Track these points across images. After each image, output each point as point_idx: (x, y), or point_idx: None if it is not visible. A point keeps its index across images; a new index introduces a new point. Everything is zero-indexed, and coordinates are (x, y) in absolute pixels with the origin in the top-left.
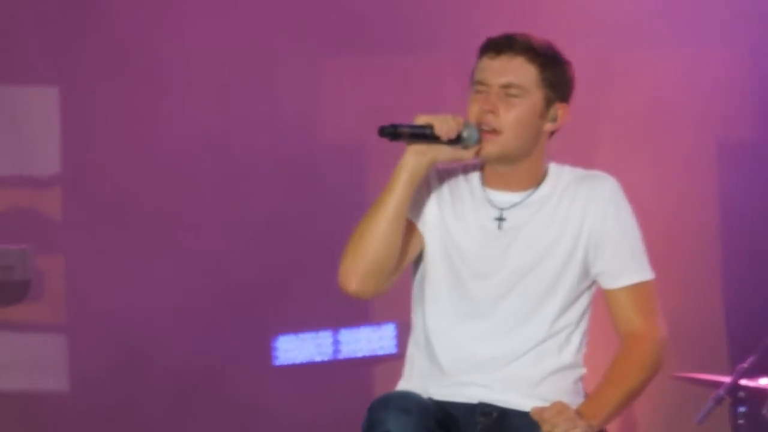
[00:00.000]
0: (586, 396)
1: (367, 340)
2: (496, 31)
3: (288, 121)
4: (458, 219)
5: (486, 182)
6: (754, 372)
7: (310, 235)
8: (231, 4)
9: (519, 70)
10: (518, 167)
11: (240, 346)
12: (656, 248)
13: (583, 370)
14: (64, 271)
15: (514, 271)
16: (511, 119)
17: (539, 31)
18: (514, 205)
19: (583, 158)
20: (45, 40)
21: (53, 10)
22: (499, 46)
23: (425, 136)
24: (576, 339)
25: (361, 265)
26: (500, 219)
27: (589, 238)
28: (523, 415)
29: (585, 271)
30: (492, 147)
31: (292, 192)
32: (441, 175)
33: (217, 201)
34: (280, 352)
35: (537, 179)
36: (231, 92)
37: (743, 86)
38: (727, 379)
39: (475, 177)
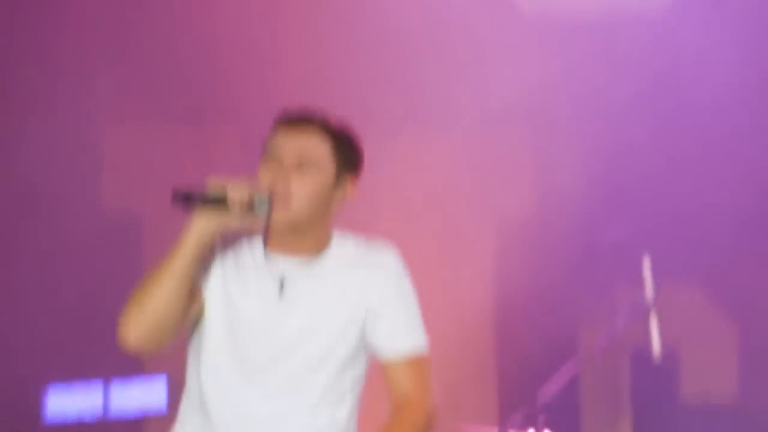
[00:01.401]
0: None
1: (138, 394)
2: (281, 104)
3: (69, 187)
4: (240, 284)
5: (269, 247)
6: (525, 424)
7: (87, 291)
8: None
9: (314, 144)
10: (303, 235)
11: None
12: (432, 304)
13: None
14: None
15: (292, 337)
16: (303, 192)
17: (329, 108)
18: (295, 273)
19: (364, 223)
20: None
21: None
22: (296, 119)
23: (217, 201)
24: (349, 404)
25: (143, 322)
26: (281, 286)
27: (368, 308)
28: None
29: (361, 341)
30: (282, 216)
31: (75, 253)
32: (225, 239)
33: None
34: (51, 407)
35: (320, 247)
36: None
37: (525, 162)
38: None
39: (258, 241)
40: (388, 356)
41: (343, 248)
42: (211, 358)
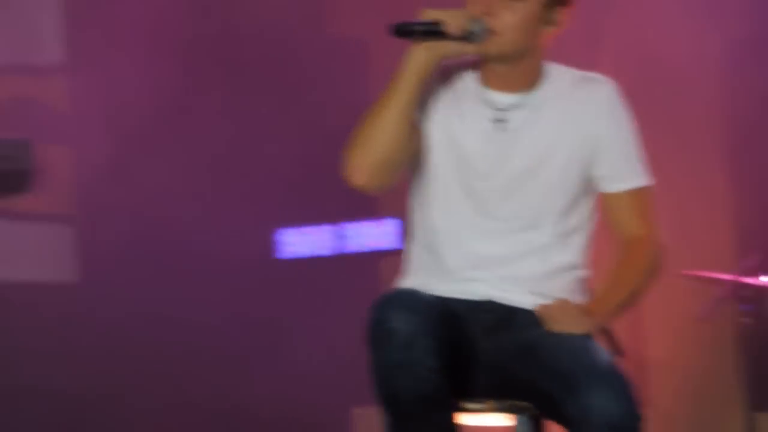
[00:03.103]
0: (590, 296)
1: (371, 235)
2: None
3: (289, 19)
4: (459, 118)
5: (484, 82)
6: (759, 270)
7: (314, 131)
8: None
9: None
10: (516, 67)
11: (243, 239)
12: (664, 149)
13: (586, 271)
14: (70, 161)
15: (517, 173)
16: (510, 22)
17: None
18: (513, 106)
19: (584, 58)
20: None
21: None
22: None
23: (436, 32)
24: (580, 240)
25: (369, 158)
26: (500, 120)
27: (589, 141)
28: (527, 313)
29: (585, 175)
30: (491, 47)
31: (297, 87)
32: (442, 73)
33: (221, 92)
34: (284, 246)
35: (535, 79)
36: None
37: None
38: (731, 277)
39: (473, 77)
40: (611, 191)
41: (559, 81)
42: (439, 193)
